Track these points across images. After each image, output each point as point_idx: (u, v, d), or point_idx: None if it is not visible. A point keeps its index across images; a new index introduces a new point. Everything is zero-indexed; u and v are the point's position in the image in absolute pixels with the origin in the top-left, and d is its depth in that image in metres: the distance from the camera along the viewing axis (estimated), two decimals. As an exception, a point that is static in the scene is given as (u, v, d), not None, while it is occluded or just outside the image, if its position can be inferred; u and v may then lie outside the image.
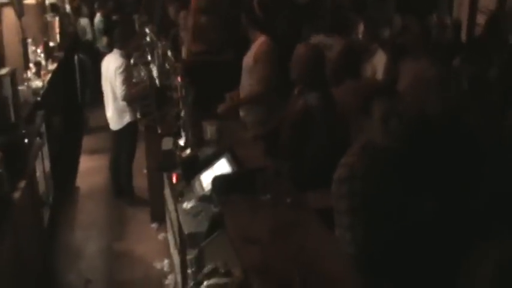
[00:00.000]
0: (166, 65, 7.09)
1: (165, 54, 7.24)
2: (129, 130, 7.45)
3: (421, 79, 4.91)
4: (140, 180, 7.77)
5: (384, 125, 3.33)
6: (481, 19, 8.07)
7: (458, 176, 3.50)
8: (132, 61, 8.21)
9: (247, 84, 5.92)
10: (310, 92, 4.66)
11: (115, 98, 7.25)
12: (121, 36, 7.31)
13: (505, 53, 5.83)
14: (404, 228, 3.27)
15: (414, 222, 3.28)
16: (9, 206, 4.34)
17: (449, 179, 3.48)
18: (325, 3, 8.67)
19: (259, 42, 5.87)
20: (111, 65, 7.18)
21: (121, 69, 7.05)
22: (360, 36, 7.11)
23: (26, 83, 7.21)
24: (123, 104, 7.22)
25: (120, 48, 7.20)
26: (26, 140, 5.28)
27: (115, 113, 7.39)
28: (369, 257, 3.33)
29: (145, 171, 7.40)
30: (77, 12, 13.76)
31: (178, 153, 4.96)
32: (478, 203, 3.43)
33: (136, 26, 11.56)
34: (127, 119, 7.34)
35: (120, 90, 7.08)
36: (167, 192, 5.37)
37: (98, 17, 13.46)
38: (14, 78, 5.56)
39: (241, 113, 6.07)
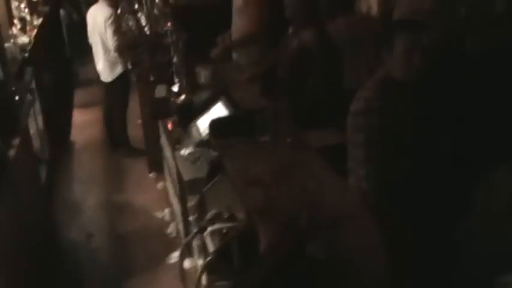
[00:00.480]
0: (155, 11, 6.93)
1: (153, 0, 7.09)
2: (121, 81, 7.34)
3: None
4: (135, 130, 7.69)
5: (407, 60, 3.20)
6: None
7: (480, 109, 3.37)
8: (119, 11, 8.02)
9: (238, 26, 5.78)
10: (305, 29, 4.53)
11: (105, 50, 7.12)
12: None
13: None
14: (423, 161, 3.18)
15: (432, 155, 3.19)
16: (5, 165, 4.24)
17: (471, 112, 3.36)
18: None
19: None
20: (99, 17, 7.02)
21: (110, 20, 6.91)
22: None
23: (12, 40, 7.03)
24: (114, 55, 7.10)
25: None
26: (16, 97, 5.16)
27: (106, 65, 7.26)
28: (385, 190, 3.24)
29: (139, 121, 7.30)
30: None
31: (172, 100, 4.86)
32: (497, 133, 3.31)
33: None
34: (119, 70, 7.23)
35: (111, 41, 6.94)
36: (163, 140, 5.28)
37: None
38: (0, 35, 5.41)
39: (234, 56, 5.95)
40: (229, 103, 4.19)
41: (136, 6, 9.10)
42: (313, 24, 4.52)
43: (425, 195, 3.14)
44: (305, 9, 4.59)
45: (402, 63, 3.21)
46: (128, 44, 7.23)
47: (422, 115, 3.23)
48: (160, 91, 5.20)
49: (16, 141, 4.74)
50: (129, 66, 7.28)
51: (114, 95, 7.50)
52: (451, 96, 3.35)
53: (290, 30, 4.77)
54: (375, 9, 6.09)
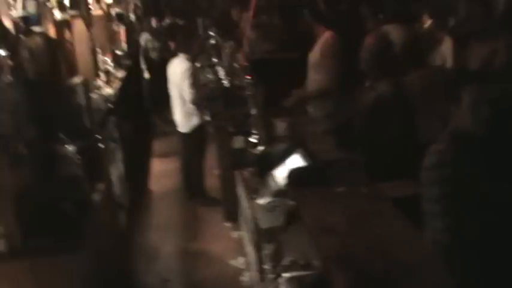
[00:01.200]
0: (235, 64, 7.14)
1: (233, 53, 7.31)
2: (197, 132, 7.53)
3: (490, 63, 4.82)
4: (211, 180, 7.85)
5: (475, 112, 3.24)
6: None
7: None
8: (198, 64, 8.30)
9: (314, 79, 5.91)
10: (380, 82, 4.62)
11: (183, 102, 7.35)
12: (184, 41, 7.41)
13: None
14: (499, 213, 3.18)
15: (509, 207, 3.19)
16: (91, 209, 4.44)
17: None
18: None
19: (324, 36, 5.86)
20: (178, 69, 7.28)
21: (188, 73, 7.14)
22: (425, 25, 7.03)
23: (97, 91, 7.37)
24: (190, 106, 7.31)
25: (184, 52, 7.29)
26: (100, 145, 5.40)
27: (183, 116, 7.49)
28: (463, 244, 3.25)
29: (216, 171, 7.46)
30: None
31: (250, 150, 4.98)
32: None
33: (200, 29, 11.70)
34: (195, 121, 7.42)
35: (188, 93, 7.17)
36: (240, 189, 5.40)
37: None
38: (87, 87, 5.69)
39: (310, 109, 6.06)
40: (306, 154, 4.27)
41: (214, 59, 9.39)
42: (388, 77, 4.60)
43: (503, 249, 3.13)
44: (380, 62, 4.67)
45: (470, 115, 3.25)
46: (206, 95, 7.45)
47: (495, 167, 3.24)
48: (238, 142, 5.33)
49: (101, 186, 4.97)
50: (206, 118, 7.47)
51: (191, 146, 7.70)
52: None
53: (366, 83, 4.86)
54: (449, 62, 6.14)
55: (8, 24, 4.59)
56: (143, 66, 12.47)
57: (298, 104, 5.89)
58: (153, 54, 12.51)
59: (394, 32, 6.30)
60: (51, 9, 5.59)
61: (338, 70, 5.73)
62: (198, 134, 7.56)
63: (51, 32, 5.47)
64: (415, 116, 4.45)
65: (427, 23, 7.11)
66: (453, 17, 8.09)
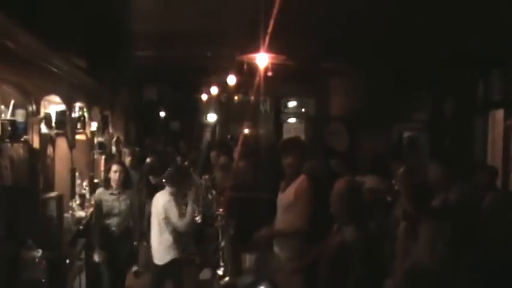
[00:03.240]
0: (209, 195, 7.24)
1: (208, 187, 7.44)
2: (174, 265, 7.39)
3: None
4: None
5: (431, 249, 3.29)
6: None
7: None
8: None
9: (284, 219, 5.95)
10: (348, 227, 4.66)
11: (161, 233, 7.30)
12: (177, 177, 7.49)
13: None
14: None
15: None
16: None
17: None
18: (362, 151, 8.97)
19: (299, 180, 5.98)
20: (160, 201, 7.33)
21: (171, 204, 7.18)
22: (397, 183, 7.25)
23: (70, 212, 7.33)
24: (170, 239, 7.28)
25: (171, 187, 7.36)
26: (67, 261, 5.33)
27: (161, 249, 7.39)
28: None
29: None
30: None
31: (216, 282, 4.94)
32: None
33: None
34: (172, 254, 7.30)
35: (177, 220, 7.17)
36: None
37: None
38: (61, 203, 5.70)
39: (276, 248, 6.05)
40: (271, 288, 4.25)
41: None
42: (355, 221, 4.65)
43: None
44: (349, 207, 4.73)
45: (427, 251, 3.29)
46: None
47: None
48: (205, 274, 5.30)
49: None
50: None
51: (166, 278, 7.54)
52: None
53: (335, 226, 4.90)
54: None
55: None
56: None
57: (267, 239, 5.91)
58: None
59: (370, 182, 6.55)
60: (38, 121, 5.68)
61: (310, 212, 5.81)
62: (174, 268, 7.42)
63: (35, 143, 5.52)
64: (381, 258, 4.47)
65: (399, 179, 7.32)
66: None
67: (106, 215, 7.27)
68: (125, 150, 9.54)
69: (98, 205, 7.30)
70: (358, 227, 4.66)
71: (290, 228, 5.86)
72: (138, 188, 10.08)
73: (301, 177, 6.03)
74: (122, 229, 7.34)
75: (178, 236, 7.23)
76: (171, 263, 7.27)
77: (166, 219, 7.17)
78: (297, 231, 5.83)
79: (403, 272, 3.40)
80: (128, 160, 10.23)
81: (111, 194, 7.29)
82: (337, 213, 4.85)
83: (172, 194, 7.30)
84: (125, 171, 7.44)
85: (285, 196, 6.04)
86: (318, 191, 5.92)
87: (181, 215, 7.12)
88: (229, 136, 17.39)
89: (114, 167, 7.35)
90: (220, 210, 5.54)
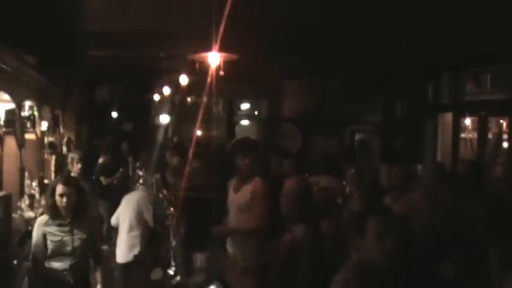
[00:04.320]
0: (160, 194, 7.23)
1: (158, 186, 7.45)
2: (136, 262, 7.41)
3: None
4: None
5: (378, 244, 3.34)
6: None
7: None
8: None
9: (239, 219, 5.97)
10: (297, 225, 4.69)
11: (130, 230, 7.47)
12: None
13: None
14: None
15: None
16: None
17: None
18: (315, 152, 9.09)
19: (254, 181, 6.01)
20: (135, 198, 7.62)
21: (147, 201, 7.48)
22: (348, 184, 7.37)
23: (18, 212, 7.21)
24: (137, 236, 7.43)
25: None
26: (15, 262, 5.23)
27: (125, 247, 7.53)
28: None
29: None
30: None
31: (168, 281, 4.92)
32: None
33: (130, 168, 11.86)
34: (135, 251, 7.35)
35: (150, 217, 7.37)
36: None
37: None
38: (9, 202, 5.59)
39: (229, 247, 6.06)
40: (223, 287, 4.25)
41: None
42: (305, 219, 4.68)
43: None
44: (298, 206, 4.77)
45: (375, 247, 3.35)
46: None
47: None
48: (156, 274, 5.27)
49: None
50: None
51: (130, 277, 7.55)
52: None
53: (287, 225, 4.93)
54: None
55: None
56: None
57: (224, 235, 5.95)
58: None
59: (324, 182, 6.66)
60: (-15, 119, 5.59)
61: (267, 212, 5.85)
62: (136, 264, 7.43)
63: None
64: (328, 257, 4.51)
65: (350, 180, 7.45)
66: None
67: (52, 255, 5.26)
68: (73, 156, 8.53)
69: (39, 241, 5.26)
70: (307, 226, 4.70)
71: (247, 227, 5.88)
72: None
73: (256, 179, 6.06)
74: (77, 275, 5.34)
75: (146, 233, 7.46)
76: (135, 260, 7.30)
77: (140, 216, 7.44)
78: (254, 230, 5.86)
79: (352, 266, 3.44)
80: (76, 168, 8.55)
81: (60, 225, 5.28)
82: (287, 212, 4.87)
83: (146, 192, 7.62)
84: (78, 193, 5.35)
85: (240, 196, 6.06)
86: (271, 191, 5.96)
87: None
88: (174, 138, 17.42)
89: (60, 189, 5.25)
90: (172, 209, 5.51)
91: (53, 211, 5.26)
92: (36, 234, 5.24)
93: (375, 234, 3.36)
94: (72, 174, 7.92)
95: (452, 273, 4.16)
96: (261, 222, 5.84)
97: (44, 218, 5.34)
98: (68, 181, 5.38)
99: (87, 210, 5.55)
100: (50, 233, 5.22)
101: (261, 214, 5.86)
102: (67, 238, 5.24)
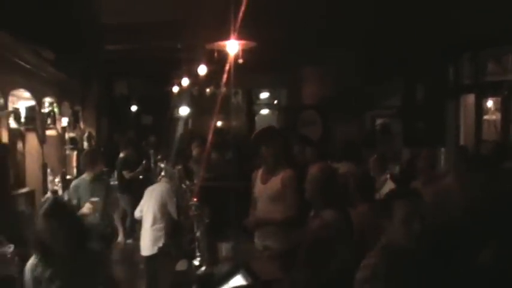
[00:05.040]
0: (183, 185, 7.26)
1: (181, 177, 7.49)
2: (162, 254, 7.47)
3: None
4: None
5: (406, 227, 3.31)
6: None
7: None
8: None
9: (271, 209, 5.93)
10: (325, 210, 4.66)
11: (154, 223, 7.55)
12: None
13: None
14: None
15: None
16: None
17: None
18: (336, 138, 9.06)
19: (284, 171, 5.97)
20: (158, 191, 7.69)
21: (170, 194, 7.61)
22: (371, 169, 7.30)
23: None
24: (161, 228, 7.52)
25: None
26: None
27: (149, 239, 7.62)
28: None
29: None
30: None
31: (193, 272, 4.91)
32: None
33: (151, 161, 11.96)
34: (160, 244, 7.43)
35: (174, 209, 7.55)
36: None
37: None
38: (33, 198, 5.62)
39: (259, 239, 6.03)
40: (249, 275, 4.22)
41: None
42: (333, 205, 4.65)
43: None
44: (324, 192, 4.74)
45: (402, 230, 3.32)
46: None
47: (426, 280, 3.28)
48: (181, 265, 5.26)
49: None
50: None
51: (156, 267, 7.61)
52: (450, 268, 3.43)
53: (312, 212, 4.90)
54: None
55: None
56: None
57: (255, 228, 5.92)
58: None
59: (344, 168, 6.59)
60: (6, 116, 5.59)
61: (300, 201, 5.82)
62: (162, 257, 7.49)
63: (4, 138, 5.44)
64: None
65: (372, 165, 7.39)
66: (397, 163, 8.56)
67: None
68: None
69: None
70: (336, 210, 4.66)
71: (280, 217, 5.85)
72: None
73: (286, 169, 6.03)
74: None
75: (171, 225, 7.59)
76: (159, 252, 7.37)
77: (163, 208, 7.53)
78: (288, 220, 5.83)
79: (379, 251, 3.41)
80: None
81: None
82: (313, 198, 4.85)
83: (168, 184, 7.75)
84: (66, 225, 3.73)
85: (270, 187, 6.01)
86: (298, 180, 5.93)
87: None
88: (195, 130, 17.43)
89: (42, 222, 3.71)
90: (195, 200, 5.49)
91: (41, 251, 3.81)
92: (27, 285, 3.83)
93: (402, 218, 3.33)
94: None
95: (489, 261, 4.08)
96: (294, 211, 5.81)
97: (33, 260, 3.87)
98: (50, 212, 3.79)
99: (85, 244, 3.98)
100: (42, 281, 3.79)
101: (293, 204, 5.83)
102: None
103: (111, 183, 9.16)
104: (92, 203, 6.35)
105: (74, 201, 6.35)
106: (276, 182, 5.97)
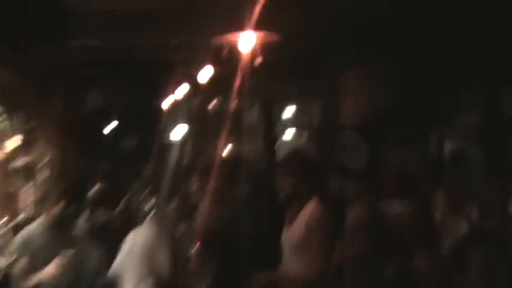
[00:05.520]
0: (179, 228, 7.32)
1: (177, 217, 7.53)
2: None
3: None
4: None
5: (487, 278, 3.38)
6: None
7: None
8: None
9: (293, 262, 5.95)
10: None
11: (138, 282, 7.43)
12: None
13: None
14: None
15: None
16: None
17: None
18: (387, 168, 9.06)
19: (311, 204, 5.98)
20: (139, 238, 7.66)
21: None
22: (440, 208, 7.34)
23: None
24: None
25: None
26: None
27: None
28: None
29: None
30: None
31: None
32: None
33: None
34: None
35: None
36: None
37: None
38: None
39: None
40: None
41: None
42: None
43: None
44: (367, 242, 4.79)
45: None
46: None
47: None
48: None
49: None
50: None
51: None
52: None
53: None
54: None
55: None
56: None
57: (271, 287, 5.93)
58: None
59: (398, 207, 6.62)
60: None
61: (328, 251, 5.79)
62: None
63: None
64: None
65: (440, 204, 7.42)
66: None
67: None
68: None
69: None
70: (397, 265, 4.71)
71: (302, 274, 5.85)
72: None
73: (312, 201, 6.02)
74: None
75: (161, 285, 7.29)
76: None
77: (151, 262, 7.29)
78: (311, 279, 5.82)
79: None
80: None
81: None
82: (353, 247, 4.88)
83: (158, 227, 7.55)
84: None
85: (294, 230, 6.02)
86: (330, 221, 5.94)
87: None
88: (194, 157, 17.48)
89: None
90: (197, 246, 5.56)
91: None
92: None
93: (481, 269, 3.39)
94: None
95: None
96: (319, 265, 5.80)
97: None
98: None
99: None
100: None
101: (319, 253, 5.82)
102: None
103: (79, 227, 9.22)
104: (63, 257, 6.37)
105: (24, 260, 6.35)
106: (300, 222, 5.96)
